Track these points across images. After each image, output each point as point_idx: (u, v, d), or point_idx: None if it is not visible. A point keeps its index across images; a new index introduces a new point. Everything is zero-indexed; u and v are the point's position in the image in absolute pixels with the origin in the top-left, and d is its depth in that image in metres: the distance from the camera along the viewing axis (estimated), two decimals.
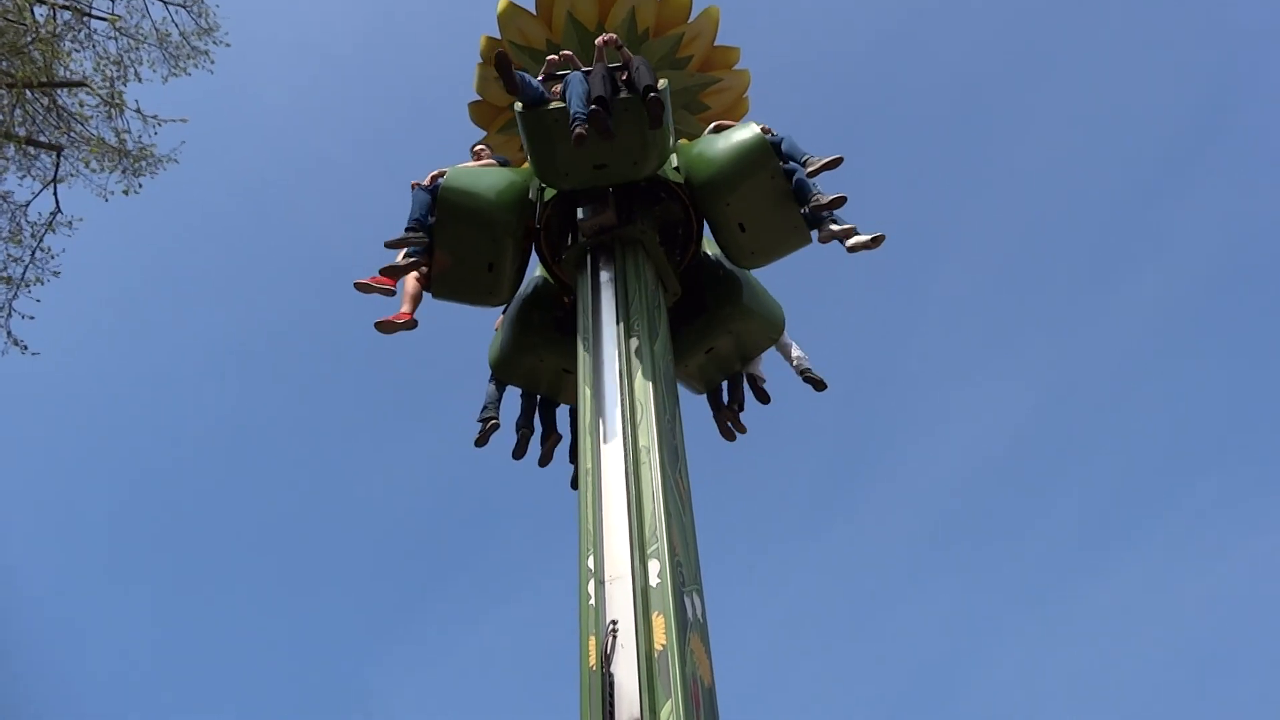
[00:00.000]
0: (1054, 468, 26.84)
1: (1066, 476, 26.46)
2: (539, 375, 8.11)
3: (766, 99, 7.13)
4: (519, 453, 8.13)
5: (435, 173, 7.65)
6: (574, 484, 8.11)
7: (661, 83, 7.28)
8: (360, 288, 7.18)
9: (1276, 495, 24.94)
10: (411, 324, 7.30)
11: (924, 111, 28.02)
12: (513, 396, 8.42)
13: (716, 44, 9.58)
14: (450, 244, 7.48)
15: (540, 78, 7.71)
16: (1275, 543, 24.40)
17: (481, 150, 8.51)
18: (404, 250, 7.36)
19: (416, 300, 7.47)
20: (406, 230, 7.37)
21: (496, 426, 8.08)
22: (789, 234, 7.64)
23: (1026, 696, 24.26)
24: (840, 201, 7.16)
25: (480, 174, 7.74)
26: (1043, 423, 27.06)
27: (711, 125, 8.26)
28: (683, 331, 7.82)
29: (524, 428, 8.19)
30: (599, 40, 7.92)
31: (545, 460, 8.22)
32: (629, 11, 9.11)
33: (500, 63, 7.07)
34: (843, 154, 7.20)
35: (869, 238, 7.12)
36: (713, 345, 8.01)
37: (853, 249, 7.17)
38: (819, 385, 8.15)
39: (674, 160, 7.98)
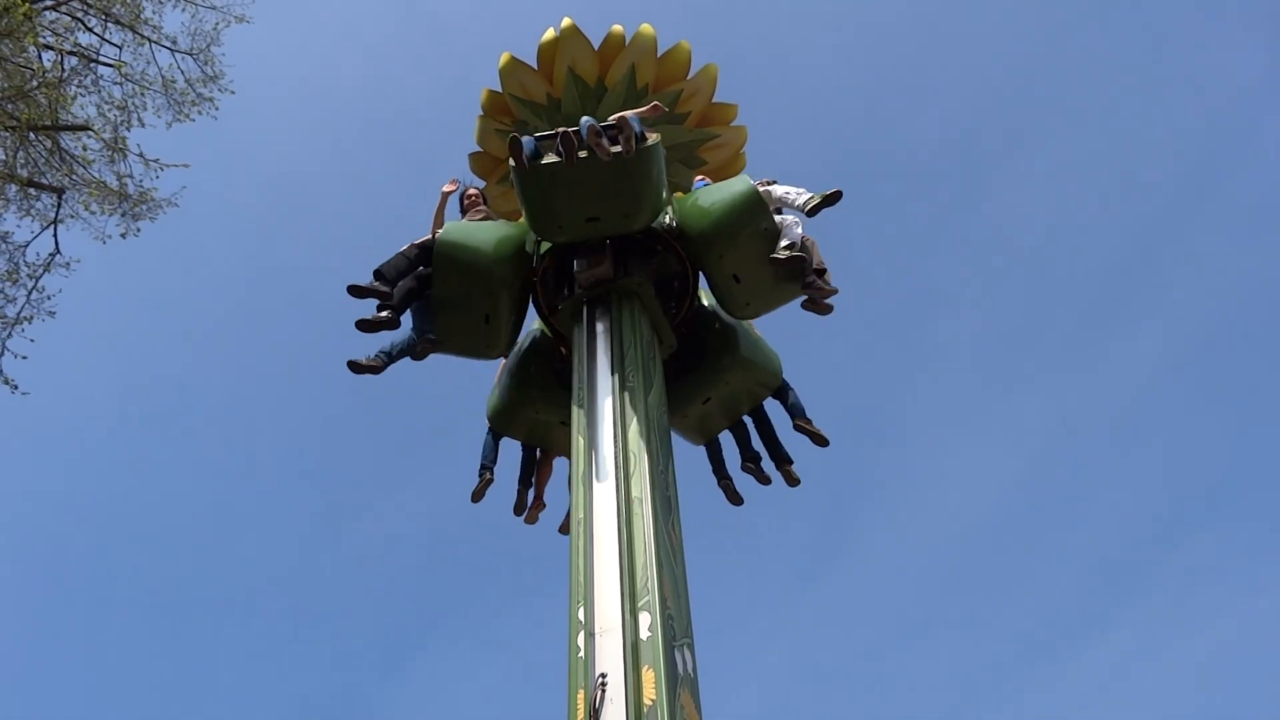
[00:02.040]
0: (1051, 522, 26.78)
1: (1063, 532, 26.40)
2: (536, 427, 8.16)
3: (764, 155, 7.23)
4: (519, 509, 8.22)
5: (425, 238, 7.70)
6: (562, 529, 8.19)
7: (653, 137, 7.36)
8: (355, 292, 7.19)
9: (1275, 554, 24.89)
10: (394, 324, 7.34)
11: (922, 166, 28.40)
12: (512, 449, 8.43)
13: (714, 100, 9.73)
14: (446, 297, 7.54)
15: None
16: (1273, 602, 24.30)
17: (474, 197, 8.50)
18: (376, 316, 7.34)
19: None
20: (375, 272, 7.36)
21: (491, 482, 8.07)
22: (782, 285, 7.68)
23: None
24: (799, 264, 7.27)
25: (476, 228, 7.82)
26: (1040, 477, 27.06)
27: (699, 178, 8.37)
28: (681, 382, 7.85)
29: (524, 483, 8.27)
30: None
31: (531, 518, 8.29)
32: (629, 68, 9.26)
33: (512, 146, 7.15)
34: (835, 207, 7.22)
35: (820, 197, 7.22)
36: (710, 395, 8.04)
37: (811, 212, 7.28)
38: (818, 437, 8.08)
39: (669, 213, 8.06)
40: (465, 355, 7.86)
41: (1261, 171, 24.98)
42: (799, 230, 7.50)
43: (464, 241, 7.61)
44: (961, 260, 28.30)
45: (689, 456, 8.81)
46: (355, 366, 7.21)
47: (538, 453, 8.43)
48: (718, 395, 8.05)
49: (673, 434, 8.07)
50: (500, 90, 9.62)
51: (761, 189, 7.59)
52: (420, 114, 29.20)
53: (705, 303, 8.27)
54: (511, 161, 7.28)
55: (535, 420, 8.11)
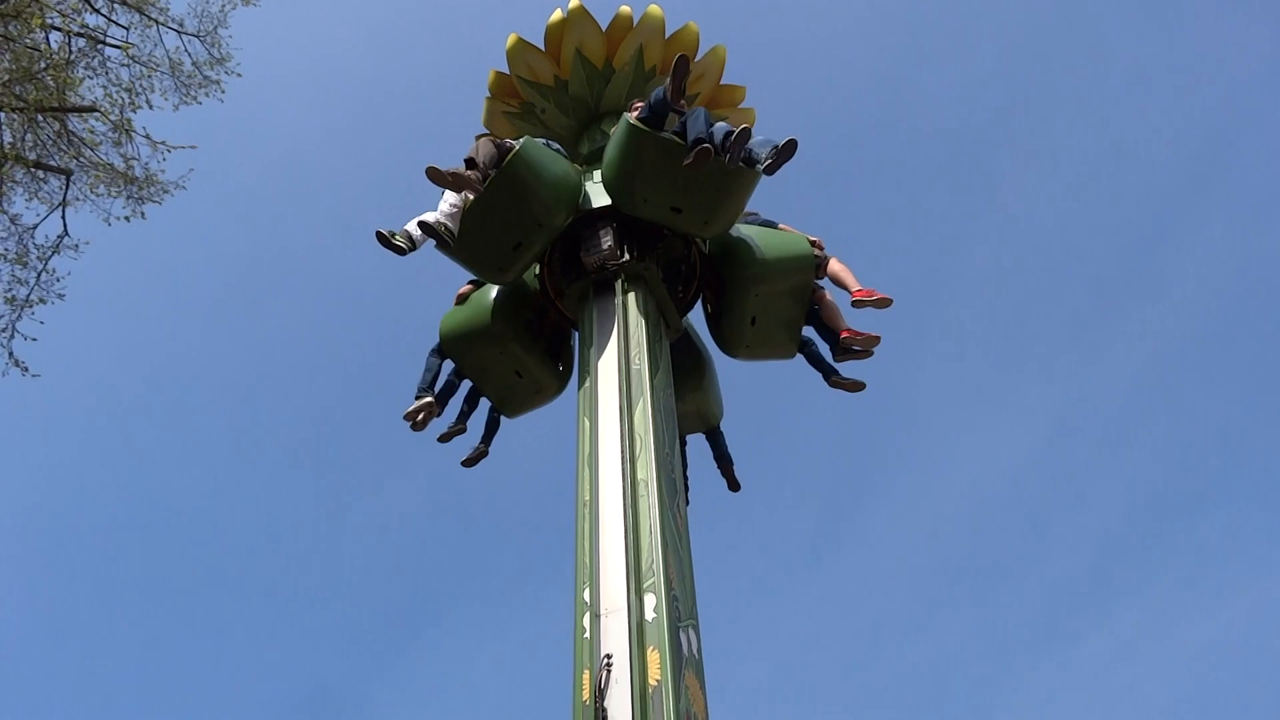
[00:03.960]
0: (1055, 507, 26.74)
1: (1068, 516, 26.36)
2: (490, 367, 8.08)
3: (771, 136, 7.12)
4: (420, 427, 7.90)
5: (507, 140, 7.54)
6: (466, 463, 8.30)
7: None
8: (381, 239, 6.93)
9: None
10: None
11: (927, 150, 28.26)
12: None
13: (723, 82, 9.68)
14: (494, 208, 7.26)
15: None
16: None
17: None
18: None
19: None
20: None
21: (431, 407, 7.89)
22: (782, 344, 8.06)
23: None
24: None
25: (551, 157, 7.65)
26: (1044, 462, 27.03)
27: (761, 219, 8.24)
28: (723, 316, 8.05)
29: (438, 405, 8.00)
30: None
31: (446, 438, 8.15)
32: (637, 49, 9.21)
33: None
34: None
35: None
36: (753, 314, 7.93)
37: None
38: (734, 486, 8.70)
39: None
40: (471, 267, 7.67)
41: (1270, 157, 24.82)
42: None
43: (537, 166, 7.40)
44: (969, 244, 28.22)
45: (696, 440, 8.85)
46: (382, 238, 6.93)
47: (465, 385, 8.32)
48: (760, 309, 7.93)
49: (766, 360, 8.34)
50: (507, 72, 9.59)
51: (817, 253, 7.85)
52: (428, 96, 29.17)
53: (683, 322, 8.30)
54: (631, 115, 7.21)
55: (495, 359, 8.01)
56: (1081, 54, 26.89)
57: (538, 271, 8.08)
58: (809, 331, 8.24)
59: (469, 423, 8.29)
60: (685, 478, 8.40)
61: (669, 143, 7.10)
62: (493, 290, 8.03)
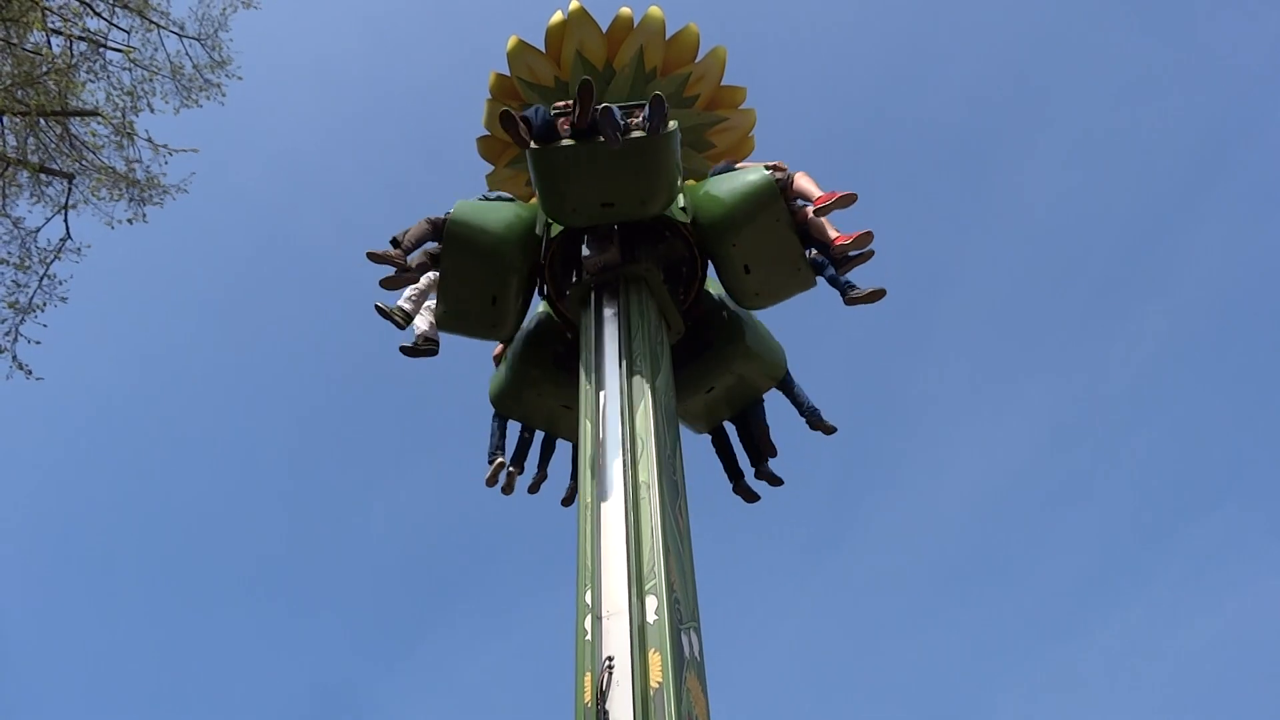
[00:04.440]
0: (1060, 503, 26.74)
1: (1070, 515, 26.35)
2: (539, 410, 8.21)
3: (772, 137, 7.17)
4: (508, 490, 8.29)
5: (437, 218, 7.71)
6: (565, 501, 8.49)
7: (672, 123, 7.30)
8: (373, 257, 7.25)
9: None
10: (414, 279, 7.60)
11: (930, 147, 28.26)
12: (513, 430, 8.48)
13: (723, 83, 9.68)
14: (455, 276, 7.58)
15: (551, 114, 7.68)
16: None
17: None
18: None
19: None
20: (391, 241, 7.42)
21: (503, 465, 8.21)
22: (793, 277, 7.67)
23: None
24: (866, 254, 7.30)
25: (487, 208, 7.78)
26: (1046, 461, 27.00)
27: (719, 166, 8.27)
28: (685, 370, 7.82)
29: (514, 465, 8.32)
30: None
31: (534, 488, 8.51)
32: (637, 51, 9.21)
33: (504, 120, 6.97)
34: (851, 190, 7.18)
35: (868, 291, 7.35)
36: (713, 385, 8.02)
37: (851, 302, 7.41)
38: (827, 430, 8.10)
39: (681, 200, 8.02)
40: (470, 334, 7.90)
41: (1274, 155, 24.78)
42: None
43: (474, 221, 7.58)
44: (970, 241, 28.20)
45: (697, 439, 8.83)
46: (381, 312, 7.60)
47: (537, 434, 8.54)
48: (721, 384, 8.03)
49: (682, 423, 8.14)
50: (507, 73, 9.59)
51: (778, 175, 7.53)
52: (428, 98, 29.18)
53: (713, 292, 8.24)
54: (529, 137, 7.16)
55: (538, 403, 8.15)
56: (1084, 52, 26.88)
57: (541, 286, 8.08)
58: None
59: (551, 465, 8.61)
60: (766, 439, 8.32)
61: (558, 150, 7.11)
62: (519, 209, 8.01)
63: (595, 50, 9.22)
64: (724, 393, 8.10)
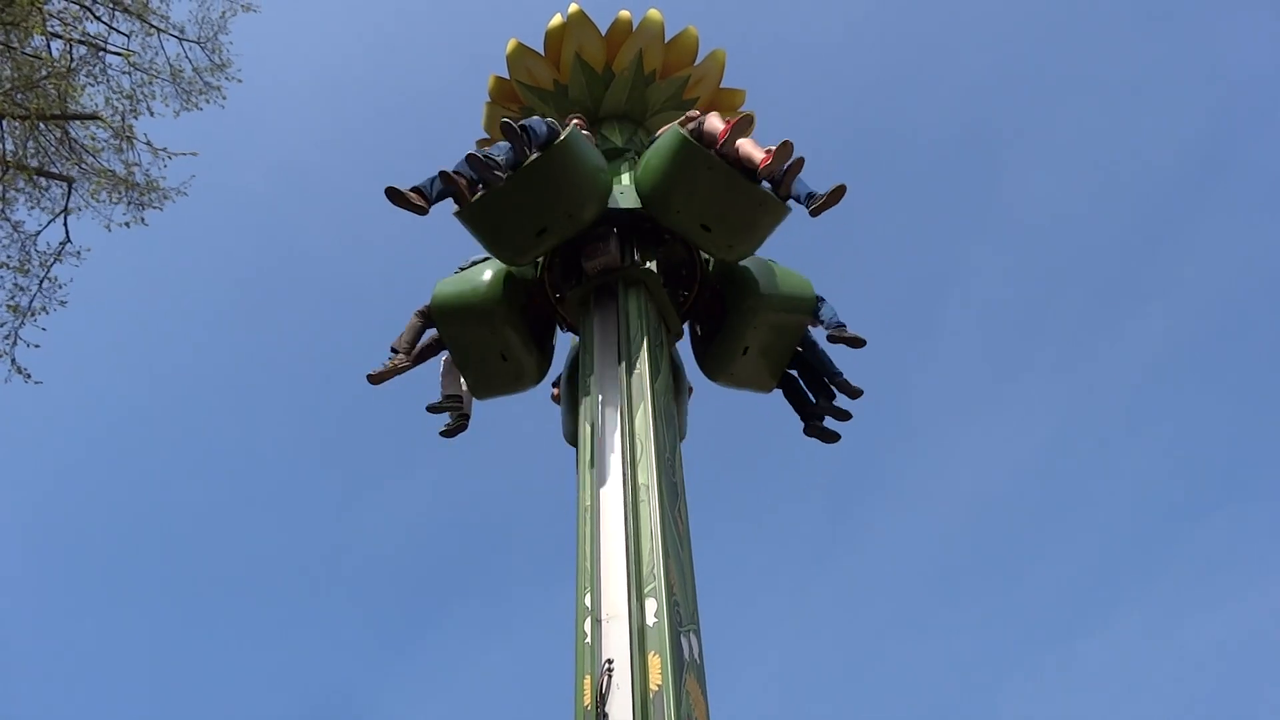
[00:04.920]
0: (1060, 507, 26.72)
1: (1073, 516, 26.34)
2: (476, 344, 7.84)
3: (772, 139, 7.13)
4: (378, 379, 7.67)
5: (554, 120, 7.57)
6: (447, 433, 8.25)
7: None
8: (392, 196, 6.59)
9: None
10: (424, 210, 6.72)
11: (931, 150, 28.28)
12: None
13: (722, 86, 9.69)
14: (461, 351, 7.79)
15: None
16: None
17: (580, 123, 8.02)
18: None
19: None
20: (392, 349, 7.70)
21: (408, 368, 7.78)
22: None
23: None
24: (796, 163, 6.89)
25: (463, 279, 7.85)
26: (1048, 462, 27.00)
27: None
28: (715, 341, 7.85)
29: (406, 363, 7.81)
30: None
31: (436, 409, 8.18)
32: (636, 54, 9.22)
33: (393, 196, 6.65)
34: (847, 194, 7.02)
35: (827, 193, 6.92)
36: (747, 345, 7.78)
37: (815, 211, 7.00)
38: (856, 343, 7.57)
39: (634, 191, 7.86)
40: (487, 242, 7.45)
41: (1273, 157, 24.80)
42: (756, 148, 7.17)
43: (453, 296, 7.73)
44: (970, 244, 28.22)
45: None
46: (394, 195, 6.60)
47: (444, 357, 8.25)
48: (754, 340, 7.78)
49: (746, 390, 8.05)
50: (507, 76, 9.60)
51: (689, 125, 7.37)
52: (428, 101, 29.21)
53: (707, 266, 8.09)
54: (682, 129, 7.23)
55: (486, 338, 7.77)
56: (1084, 55, 26.90)
57: (540, 274, 8.06)
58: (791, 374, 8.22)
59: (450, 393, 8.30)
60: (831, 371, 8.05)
61: (719, 163, 7.13)
62: (489, 267, 7.84)
63: (594, 53, 9.23)
64: (762, 346, 7.84)
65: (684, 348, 8.35)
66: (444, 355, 8.25)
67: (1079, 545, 25.99)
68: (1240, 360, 26.06)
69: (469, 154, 6.71)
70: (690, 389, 8.43)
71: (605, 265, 7.41)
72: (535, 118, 7.31)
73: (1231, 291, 25.99)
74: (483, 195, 7.03)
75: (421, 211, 6.70)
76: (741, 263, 7.84)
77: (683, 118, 7.72)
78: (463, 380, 8.26)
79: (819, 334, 8.01)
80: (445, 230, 7.54)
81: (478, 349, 7.82)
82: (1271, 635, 23.40)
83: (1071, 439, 26.80)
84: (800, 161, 7.03)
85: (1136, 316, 26.61)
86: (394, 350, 7.74)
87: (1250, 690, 23.24)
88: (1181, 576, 25.40)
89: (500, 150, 6.99)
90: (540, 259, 7.89)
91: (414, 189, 6.71)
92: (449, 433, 8.29)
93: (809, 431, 8.14)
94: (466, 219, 7.16)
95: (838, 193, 6.93)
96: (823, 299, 7.93)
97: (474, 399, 8.28)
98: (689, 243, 7.78)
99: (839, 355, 8.05)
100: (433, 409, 8.20)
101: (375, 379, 7.56)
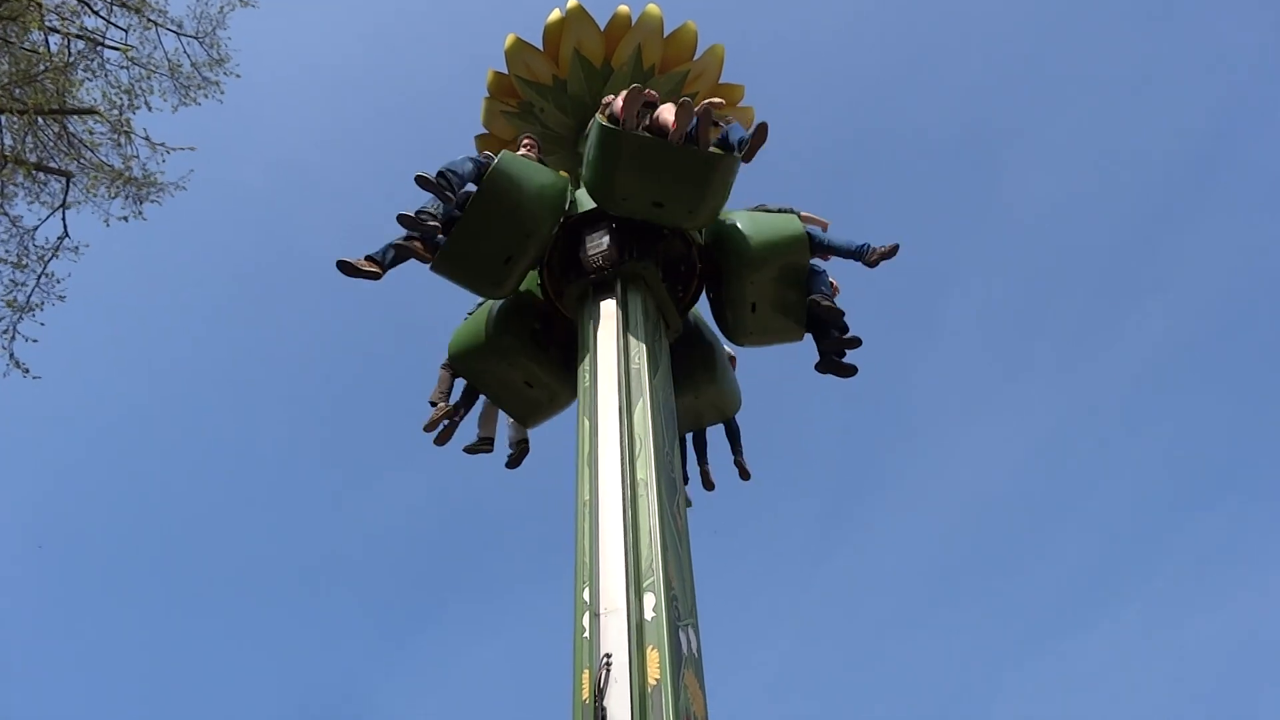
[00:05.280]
0: (1060, 503, 26.76)
1: (1073, 511, 26.37)
2: (499, 380, 8.10)
3: (771, 135, 7.14)
4: (441, 439, 8.20)
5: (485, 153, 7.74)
6: (510, 463, 8.51)
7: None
8: (344, 268, 7.25)
9: None
10: (377, 276, 7.36)
11: (929, 147, 28.26)
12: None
13: (721, 81, 9.68)
14: (478, 225, 7.39)
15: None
16: None
17: (529, 145, 8.39)
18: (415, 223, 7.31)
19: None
20: (437, 176, 7.14)
21: (447, 412, 8.17)
22: (788, 326, 7.96)
23: None
24: (702, 116, 7.14)
25: (533, 169, 7.75)
26: (1048, 458, 27.02)
27: (754, 206, 8.24)
28: (723, 306, 8.04)
29: (455, 417, 8.26)
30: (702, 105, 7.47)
31: (472, 450, 8.44)
32: (635, 49, 9.21)
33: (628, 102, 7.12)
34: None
35: (750, 137, 7.19)
36: (753, 301, 7.92)
37: (746, 157, 7.28)
38: (744, 476, 8.70)
39: None
40: (467, 285, 7.70)
41: (1272, 154, 24.80)
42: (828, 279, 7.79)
43: (518, 178, 7.53)
44: (970, 241, 28.22)
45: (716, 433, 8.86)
46: (346, 267, 7.27)
47: (482, 400, 8.46)
48: (759, 295, 7.87)
49: (778, 344, 8.27)
50: (506, 72, 9.58)
51: (808, 227, 7.81)
52: (427, 95, 29.18)
53: (689, 317, 8.31)
54: (602, 116, 7.32)
55: (502, 372, 8.04)
56: (1084, 52, 26.88)
57: (540, 280, 8.08)
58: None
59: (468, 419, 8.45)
60: (706, 468, 8.71)
61: (642, 139, 7.19)
62: (491, 306, 8.08)
63: (593, 48, 9.22)
64: (770, 298, 7.92)
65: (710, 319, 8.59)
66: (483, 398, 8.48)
67: (1077, 543, 26.05)
68: (1239, 358, 26.12)
69: (399, 215, 7.03)
70: (733, 358, 8.79)
71: (602, 262, 7.42)
72: (460, 157, 7.38)
73: (1230, 289, 26.05)
74: (443, 246, 7.34)
75: (375, 278, 7.31)
76: (727, 223, 7.91)
77: (805, 215, 7.95)
78: (507, 418, 8.49)
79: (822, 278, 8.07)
80: None
81: (504, 384, 8.10)
82: (1269, 632, 23.47)
83: (1070, 437, 26.87)
84: (706, 111, 7.18)
85: (1135, 314, 26.66)
86: (432, 404, 8.06)
87: (1248, 686, 23.32)
88: (1179, 573, 25.48)
89: (431, 202, 7.20)
90: (537, 272, 8.01)
91: (368, 257, 7.28)
92: (473, 450, 8.47)
93: (821, 367, 8.02)
94: (439, 271, 7.51)
95: (761, 132, 7.08)
96: (814, 235, 7.98)
97: (526, 429, 8.50)
98: (669, 229, 7.79)
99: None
100: (469, 450, 8.40)
101: (435, 434, 8.07)
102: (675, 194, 7.32)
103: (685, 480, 8.34)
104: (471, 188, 7.39)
